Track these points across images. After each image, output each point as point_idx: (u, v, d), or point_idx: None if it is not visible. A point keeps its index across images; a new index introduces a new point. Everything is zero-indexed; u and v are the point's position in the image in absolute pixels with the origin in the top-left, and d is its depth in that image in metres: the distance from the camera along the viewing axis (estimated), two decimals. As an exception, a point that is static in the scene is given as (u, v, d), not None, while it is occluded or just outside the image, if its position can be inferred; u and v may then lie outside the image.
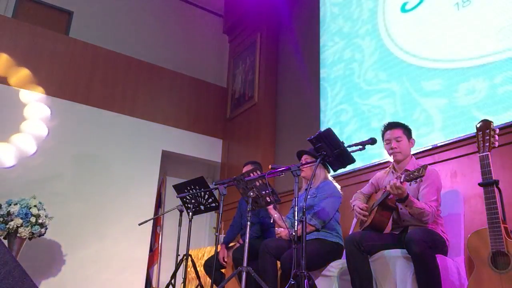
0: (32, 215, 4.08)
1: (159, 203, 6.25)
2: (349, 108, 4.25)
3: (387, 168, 2.84)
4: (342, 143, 2.33)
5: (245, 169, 3.65)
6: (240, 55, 6.49)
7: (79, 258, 4.98)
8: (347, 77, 4.38)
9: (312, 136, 2.36)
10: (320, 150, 2.37)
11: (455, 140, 3.17)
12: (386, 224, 2.48)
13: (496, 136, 2.09)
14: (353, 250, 2.39)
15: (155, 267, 6.07)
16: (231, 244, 3.79)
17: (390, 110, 3.78)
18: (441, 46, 3.46)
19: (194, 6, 7.38)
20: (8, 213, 4.01)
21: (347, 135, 4.11)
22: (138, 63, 6.07)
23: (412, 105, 3.59)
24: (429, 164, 2.60)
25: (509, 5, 3.03)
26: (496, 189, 2.01)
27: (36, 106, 5.16)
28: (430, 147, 3.34)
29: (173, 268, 3.33)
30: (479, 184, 2.05)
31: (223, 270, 3.57)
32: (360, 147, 2.41)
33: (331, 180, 3.14)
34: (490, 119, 2.14)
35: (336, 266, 2.77)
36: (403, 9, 3.90)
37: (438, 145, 3.28)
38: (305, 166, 2.76)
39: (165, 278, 5.73)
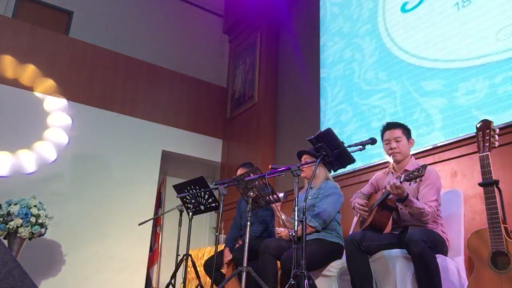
0: (32, 215, 4.08)
1: (159, 203, 6.25)
2: (349, 108, 4.25)
3: (387, 168, 2.84)
4: (342, 143, 2.33)
5: (239, 172, 3.63)
6: (240, 55, 6.49)
7: (79, 258, 4.98)
8: (347, 77, 4.38)
9: (312, 136, 2.36)
10: (320, 150, 2.37)
11: (455, 140, 3.17)
12: (386, 224, 2.48)
13: (496, 136, 2.08)
14: (353, 250, 2.39)
15: (155, 267, 6.08)
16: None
17: (390, 110, 3.78)
18: (441, 46, 3.46)
19: (194, 6, 7.38)
20: (8, 213, 4.01)
21: (347, 135, 4.11)
22: (138, 63, 6.07)
23: (412, 105, 3.59)
24: (429, 164, 2.60)
25: (509, 5, 3.03)
26: (496, 189, 2.01)
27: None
28: (430, 147, 3.34)
29: (173, 268, 3.32)
30: (479, 184, 2.05)
31: (223, 270, 3.57)
32: (360, 147, 2.41)
33: (332, 180, 3.14)
34: (490, 119, 2.13)
35: (336, 266, 2.77)
36: (403, 9, 3.90)
37: (438, 145, 3.28)
38: (305, 166, 2.76)
39: (165, 278, 5.73)
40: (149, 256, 5.65)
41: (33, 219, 4.07)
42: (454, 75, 3.30)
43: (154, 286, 5.92)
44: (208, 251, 4.57)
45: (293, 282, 2.19)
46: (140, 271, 5.38)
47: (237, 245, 3.60)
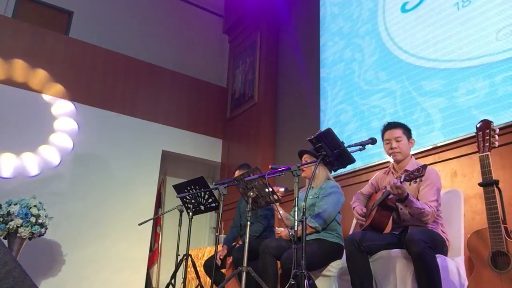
0: (32, 215, 4.08)
1: (159, 203, 6.25)
2: (349, 107, 4.25)
3: (387, 168, 2.83)
4: (342, 143, 2.33)
5: (236, 174, 3.64)
6: (240, 55, 6.49)
7: (79, 258, 4.98)
8: (347, 77, 4.39)
9: (312, 136, 2.35)
10: (320, 150, 2.37)
11: (455, 140, 3.17)
12: (386, 224, 2.47)
13: (496, 136, 2.08)
14: (353, 250, 2.39)
15: (155, 267, 6.08)
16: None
17: (390, 110, 3.78)
18: (441, 46, 3.46)
19: (194, 6, 7.38)
20: (8, 213, 4.01)
21: (347, 135, 4.11)
22: (138, 63, 6.08)
23: (412, 105, 3.59)
24: (429, 164, 2.60)
25: (509, 5, 3.03)
26: (496, 189, 2.00)
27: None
28: (430, 147, 3.34)
29: (173, 268, 3.32)
30: (479, 184, 2.05)
31: (223, 270, 3.57)
32: (360, 147, 2.41)
33: (333, 180, 3.14)
34: (490, 119, 2.13)
35: (336, 266, 2.77)
36: (403, 9, 3.90)
37: (438, 145, 3.28)
38: (305, 166, 2.75)
39: (165, 278, 5.74)
40: (149, 256, 5.65)
41: (33, 219, 4.07)
42: (454, 75, 3.30)
43: (154, 286, 5.92)
44: (208, 251, 4.57)
45: (293, 282, 2.19)
46: (140, 271, 5.38)
47: (237, 245, 3.60)
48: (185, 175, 6.17)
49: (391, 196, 2.40)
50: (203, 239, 6.58)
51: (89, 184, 5.27)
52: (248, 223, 2.55)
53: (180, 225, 3.44)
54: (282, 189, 2.84)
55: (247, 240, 2.52)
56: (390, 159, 2.76)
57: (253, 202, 2.63)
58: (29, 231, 4.05)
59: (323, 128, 2.94)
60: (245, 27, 6.49)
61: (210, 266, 3.34)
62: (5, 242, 3.98)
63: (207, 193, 3.32)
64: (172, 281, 3.22)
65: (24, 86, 5.16)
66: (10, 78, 5.09)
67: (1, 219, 4.00)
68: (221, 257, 3.50)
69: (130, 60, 6.02)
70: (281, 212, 2.93)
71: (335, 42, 4.68)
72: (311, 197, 3.00)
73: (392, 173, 2.73)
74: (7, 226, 3.97)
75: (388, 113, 3.78)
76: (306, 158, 3.10)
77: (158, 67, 6.23)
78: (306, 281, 2.13)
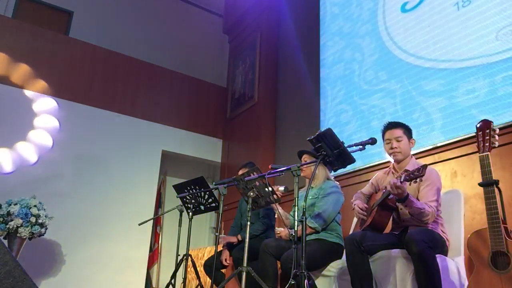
0: (32, 215, 4.08)
1: (159, 203, 6.25)
2: (349, 107, 4.25)
3: (387, 168, 2.83)
4: (342, 143, 2.33)
5: (240, 173, 3.64)
6: (240, 55, 6.49)
7: (79, 258, 4.98)
8: (347, 77, 4.39)
9: (312, 136, 2.35)
10: (320, 150, 2.37)
11: (455, 140, 3.17)
12: (386, 224, 2.47)
13: (496, 136, 2.08)
14: (353, 250, 2.39)
15: (155, 267, 6.08)
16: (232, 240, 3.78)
17: (390, 110, 3.78)
18: (441, 46, 3.46)
19: (194, 6, 7.38)
20: (8, 213, 4.01)
21: (347, 135, 4.11)
22: (138, 63, 6.08)
23: (412, 104, 3.59)
24: (429, 164, 2.60)
25: (508, 4, 3.03)
26: (496, 189, 2.00)
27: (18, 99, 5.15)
28: (430, 147, 3.34)
29: (173, 268, 3.32)
30: (479, 184, 2.05)
31: (223, 270, 3.57)
32: (360, 147, 2.40)
33: (333, 180, 3.14)
34: (490, 119, 2.13)
35: (336, 266, 2.77)
36: (403, 9, 3.90)
37: (438, 145, 3.28)
38: (305, 166, 2.75)
39: (165, 278, 5.73)
40: (149, 256, 5.65)
41: (33, 219, 4.07)
42: (454, 75, 3.30)
43: (154, 286, 5.92)
44: (208, 251, 4.57)
45: (293, 282, 2.19)
46: (140, 271, 5.38)
47: (237, 241, 3.59)
48: (185, 175, 6.17)
49: (391, 196, 2.40)
50: (203, 239, 6.59)
51: (89, 184, 5.27)
52: (248, 223, 2.55)
53: (180, 225, 3.44)
54: (281, 188, 2.85)
55: (247, 240, 2.51)
56: (391, 159, 2.76)
57: (253, 202, 2.63)
58: (29, 231, 4.05)
59: (323, 128, 2.93)
60: (245, 27, 6.49)
61: (210, 266, 3.34)
62: (5, 242, 3.98)
63: (207, 193, 3.32)
64: (172, 281, 3.22)
65: (24, 86, 5.16)
66: (9, 78, 5.10)
67: (1, 219, 4.00)
68: (228, 260, 3.48)
69: (130, 60, 6.02)
70: (280, 212, 2.93)
71: (335, 42, 4.68)
72: (311, 197, 3.00)
73: (392, 173, 2.73)
74: (7, 226, 3.97)
75: (388, 113, 3.78)
76: (305, 158, 3.10)
77: (158, 67, 6.23)
78: (306, 281, 2.13)
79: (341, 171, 2.76)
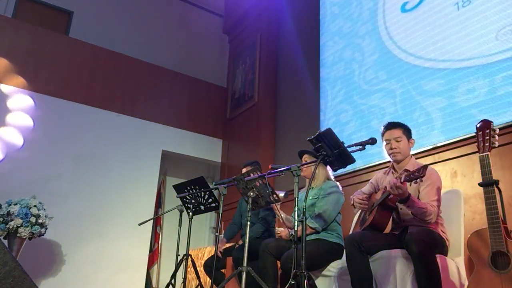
0: (32, 215, 4.08)
1: (159, 203, 6.25)
2: (349, 107, 4.25)
3: (387, 168, 2.83)
4: (342, 143, 2.33)
5: (244, 171, 3.64)
6: (240, 55, 6.49)
7: (79, 258, 4.98)
8: (347, 77, 4.39)
9: (312, 136, 2.35)
10: (320, 150, 2.37)
11: (455, 140, 3.17)
12: (386, 224, 2.47)
13: (496, 136, 2.08)
14: (353, 250, 2.39)
15: (155, 267, 6.08)
16: (229, 245, 3.79)
17: (390, 110, 3.78)
18: (441, 46, 3.46)
19: (194, 6, 7.38)
20: (8, 213, 4.01)
21: (347, 135, 4.11)
22: (138, 63, 6.08)
23: (412, 105, 3.59)
24: (429, 164, 2.60)
25: (508, 4, 3.03)
26: (496, 189, 2.00)
27: (18, 99, 5.09)
28: (430, 147, 3.34)
29: (173, 268, 3.32)
30: (479, 184, 2.05)
31: (223, 270, 3.57)
32: (360, 147, 2.40)
33: (333, 180, 3.14)
34: (490, 119, 2.13)
35: (336, 266, 2.77)
36: (403, 9, 3.90)
37: (438, 145, 3.28)
38: (305, 166, 2.75)
39: (165, 278, 5.74)
40: (149, 256, 5.65)
41: (33, 219, 4.07)
42: (454, 75, 3.30)
43: (154, 286, 5.92)
44: (208, 251, 4.57)
45: (293, 282, 2.19)
46: (140, 271, 5.38)
47: (237, 245, 3.60)
48: (185, 175, 6.17)
49: (391, 196, 2.40)
50: (203, 239, 6.59)
51: (89, 184, 5.27)
52: (248, 223, 2.55)
53: (180, 225, 3.44)
54: (281, 194, 2.82)
55: (247, 240, 2.52)
56: (390, 159, 2.75)
57: (253, 202, 2.62)
58: (29, 231, 4.05)
59: (323, 128, 2.93)
60: (245, 27, 6.49)
61: (210, 266, 3.34)
62: (5, 242, 3.98)
63: (207, 193, 3.32)
64: (172, 281, 3.22)
65: (23, 86, 5.16)
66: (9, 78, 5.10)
67: (1, 219, 4.00)
68: (221, 250, 3.50)
69: (130, 60, 6.02)
70: (283, 216, 2.93)
71: (335, 42, 4.68)
72: (311, 197, 2.99)
73: (392, 173, 2.72)
74: (7, 226, 3.97)
75: (388, 113, 3.78)
76: (306, 158, 3.10)
77: (158, 67, 6.23)
78: (306, 281, 2.13)
79: (341, 171, 2.75)
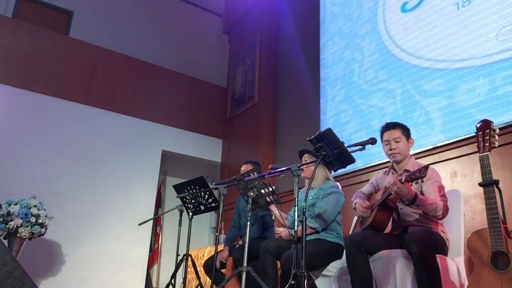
0: (32, 215, 4.08)
1: (159, 203, 6.25)
2: (349, 108, 4.25)
3: (387, 168, 2.83)
4: (342, 143, 2.33)
5: (244, 168, 3.64)
6: (240, 55, 6.49)
7: (79, 258, 4.98)
8: (347, 77, 4.39)
9: (312, 136, 2.35)
10: (320, 150, 2.37)
11: (455, 140, 3.17)
12: (386, 224, 2.47)
13: (496, 136, 2.08)
14: (353, 250, 2.39)
15: (155, 267, 6.08)
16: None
17: (390, 110, 3.78)
18: (441, 46, 3.46)
19: (194, 6, 7.38)
20: (8, 213, 4.01)
21: (347, 135, 4.11)
22: (138, 63, 6.08)
23: (412, 105, 3.59)
24: (429, 164, 2.59)
25: (508, 4, 3.03)
26: (496, 189, 2.00)
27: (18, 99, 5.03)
28: (430, 147, 3.34)
29: (173, 268, 3.32)
30: (479, 184, 2.05)
31: (223, 270, 3.56)
32: (360, 147, 2.40)
33: (333, 180, 3.13)
34: (490, 119, 2.13)
35: (336, 266, 2.77)
36: (403, 9, 3.90)
37: (438, 145, 3.28)
38: (305, 166, 2.75)
39: (165, 278, 5.74)
40: (149, 256, 5.65)
41: (33, 219, 4.07)
42: (454, 75, 3.30)
43: (154, 286, 5.92)
44: (208, 251, 4.57)
45: (293, 282, 2.19)
46: (140, 271, 5.38)
47: (237, 245, 3.60)
48: (185, 175, 6.17)
49: (391, 196, 2.40)
50: (203, 239, 6.59)
51: (89, 184, 5.27)
52: (248, 223, 2.55)
53: (180, 225, 3.44)
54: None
55: (247, 240, 2.51)
56: (390, 159, 2.75)
57: (253, 202, 2.62)
58: (29, 231, 4.05)
59: (323, 128, 2.93)
60: (245, 27, 6.49)
61: (210, 266, 3.34)
62: (5, 242, 3.98)
63: (207, 193, 3.32)
64: (172, 281, 3.22)
65: (24, 86, 5.16)
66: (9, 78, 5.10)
67: (1, 219, 4.00)
68: (224, 260, 3.48)
69: (130, 60, 6.02)
70: (277, 213, 2.92)
71: (335, 42, 4.68)
72: (311, 197, 2.99)
73: (392, 173, 2.72)
74: (7, 226, 3.97)
75: (388, 112, 3.78)
76: (306, 158, 3.10)
77: (158, 67, 6.23)
78: (306, 281, 2.13)
79: (341, 171, 2.75)
